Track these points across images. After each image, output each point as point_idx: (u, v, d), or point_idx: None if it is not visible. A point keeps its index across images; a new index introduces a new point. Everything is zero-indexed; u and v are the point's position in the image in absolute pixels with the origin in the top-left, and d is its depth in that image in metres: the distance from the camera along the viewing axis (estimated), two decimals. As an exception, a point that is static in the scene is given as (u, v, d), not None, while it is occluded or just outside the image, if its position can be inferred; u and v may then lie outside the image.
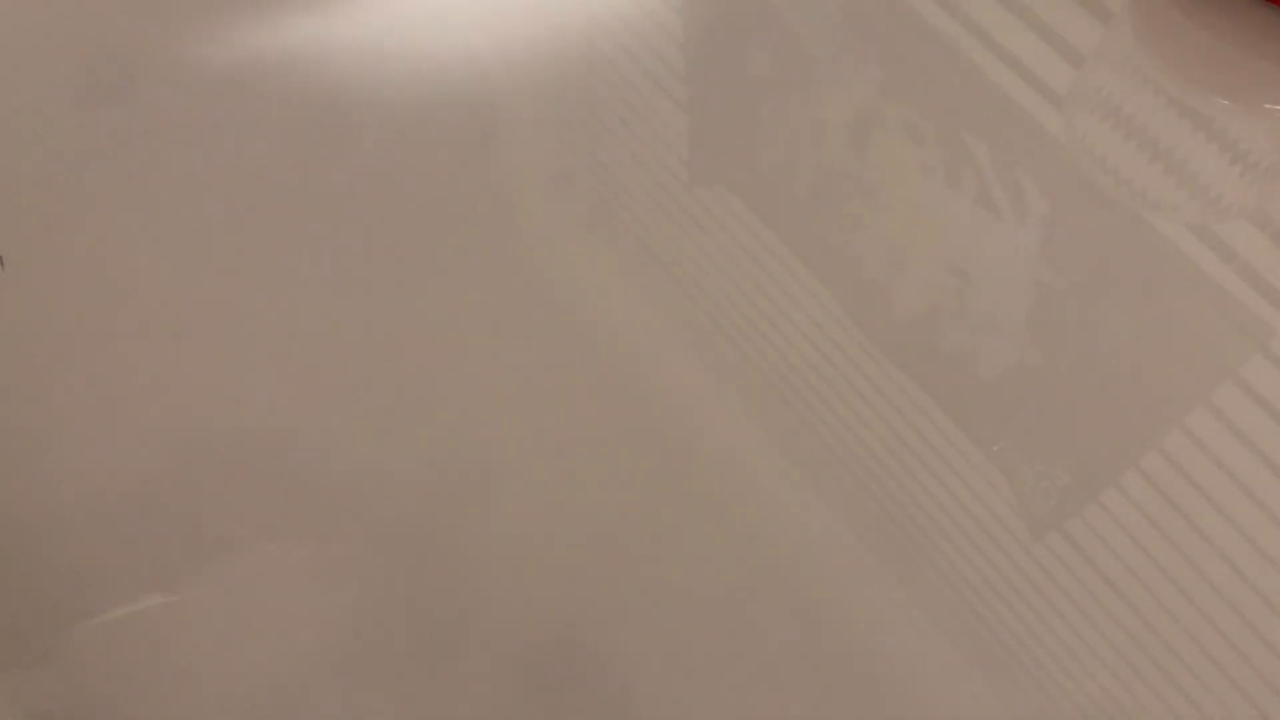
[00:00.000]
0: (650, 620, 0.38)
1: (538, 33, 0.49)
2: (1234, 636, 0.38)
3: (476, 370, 0.42)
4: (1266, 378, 0.41)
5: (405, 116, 0.48)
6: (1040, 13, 0.48)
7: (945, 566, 0.39)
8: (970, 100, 0.46)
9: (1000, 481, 0.40)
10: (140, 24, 0.49)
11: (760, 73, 0.49)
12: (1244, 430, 0.40)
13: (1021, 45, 0.47)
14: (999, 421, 0.41)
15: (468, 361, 0.42)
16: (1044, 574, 0.39)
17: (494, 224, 0.45)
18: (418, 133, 0.47)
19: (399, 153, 0.47)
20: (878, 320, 0.43)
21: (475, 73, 0.49)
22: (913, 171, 0.46)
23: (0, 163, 0.45)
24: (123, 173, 0.45)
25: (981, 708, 0.37)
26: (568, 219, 0.45)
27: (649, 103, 0.48)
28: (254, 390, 0.41)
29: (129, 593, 0.36)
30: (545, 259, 0.42)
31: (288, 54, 0.49)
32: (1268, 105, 0.46)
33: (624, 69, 0.48)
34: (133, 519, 0.38)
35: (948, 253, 0.44)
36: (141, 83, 0.48)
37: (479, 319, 0.43)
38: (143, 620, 0.35)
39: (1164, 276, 0.43)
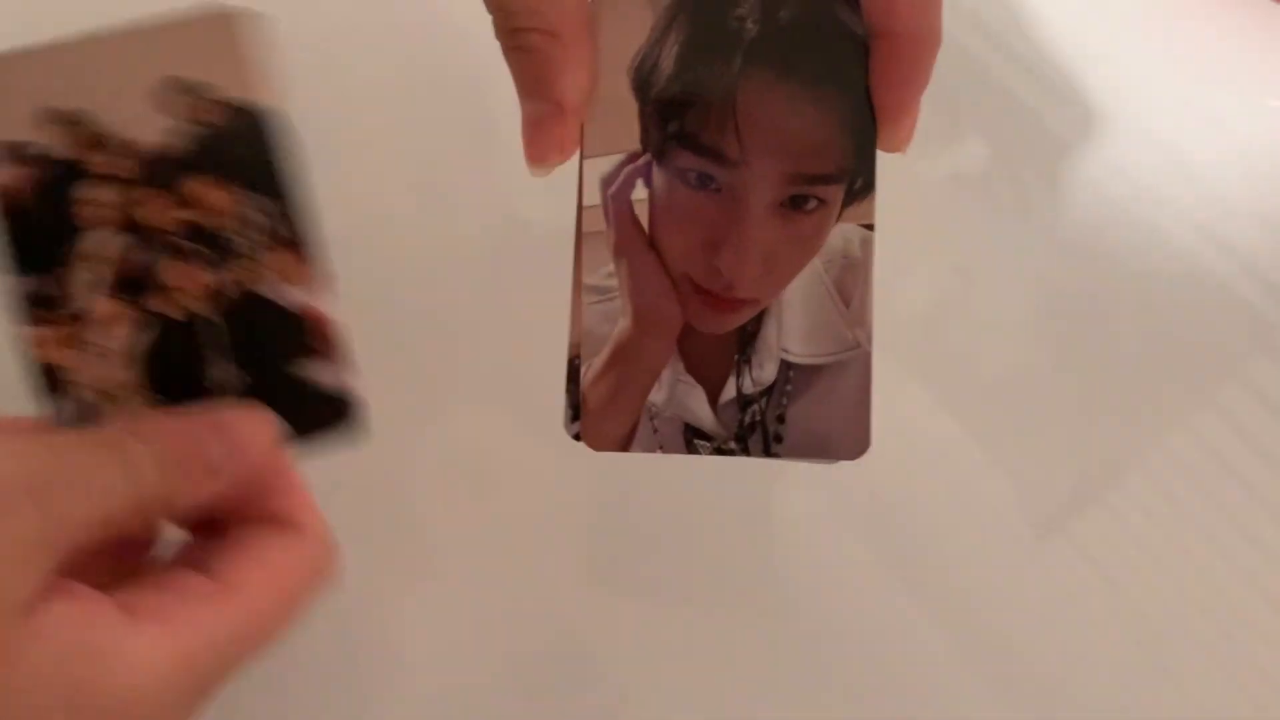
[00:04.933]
0: (643, 619, 0.38)
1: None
2: (1237, 636, 0.38)
3: (479, 372, 0.42)
4: (1270, 376, 0.41)
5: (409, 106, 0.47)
6: (1045, 8, 0.47)
7: (945, 565, 0.39)
8: (975, 97, 0.46)
9: (1004, 481, 0.40)
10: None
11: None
12: (1248, 429, 0.40)
13: (1027, 42, 0.47)
14: (1002, 421, 0.41)
15: (474, 368, 0.42)
16: (1047, 575, 0.39)
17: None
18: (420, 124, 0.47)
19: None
20: (880, 319, 0.43)
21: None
22: (917, 170, 0.45)
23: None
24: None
25: (982, 708, 0.37)
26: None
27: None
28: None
29: None
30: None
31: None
32: (1272, 102, 0.45)
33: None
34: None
35: (951, 252, 0.44)
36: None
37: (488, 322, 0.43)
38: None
39: (1168, 273, 0.43)
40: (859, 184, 0.27)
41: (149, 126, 0.27)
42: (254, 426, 0.27)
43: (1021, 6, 0.47)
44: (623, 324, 0.27)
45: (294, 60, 0.48)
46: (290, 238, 0.28)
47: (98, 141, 0.27)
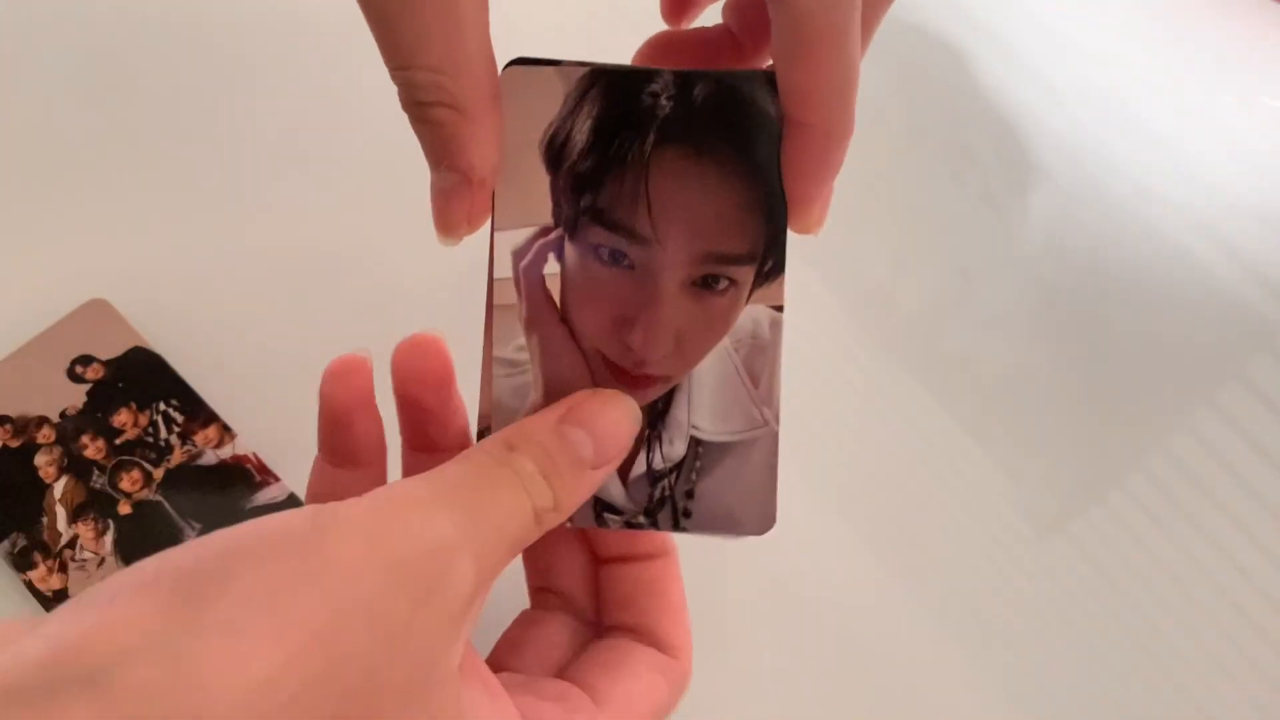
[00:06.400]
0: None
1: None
2: (1237, 636, 0.38)
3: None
4: (1270, 376, 0.41)
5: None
6: (1045, 9, 0.48)
7: (946, 566, 0.39)
8: (975, 98, 0.46)
9: (1004, 481, 0.40)
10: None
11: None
12: (1248, 429, 0.40)
13: (1026, 42, 0.47)
14: (1002, 422, 0.41)
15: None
16: (1047, 575, 0.39)
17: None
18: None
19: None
20: (879, 319, 0.43)
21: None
22: (916, 170, 0.45)
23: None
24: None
25: (981, 707, 0.37)
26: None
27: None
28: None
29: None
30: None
31: (290, 36, 0.49)
32: (1272, 102, 0.45)
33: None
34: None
35: (951, 252, 0.44)
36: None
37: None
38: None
39: (1168, 273, 0.43)
40: (770, 265, 0.27)
41: (70, 393, 0.39)
42: (610, 412, 0.27)
43: (1021, 7, 0.48)
44: (533, 398, 0.27)
45: (292, 78, 0.48)
46: (204, 416, 0.39)
47: (40, 422, 0.38)
